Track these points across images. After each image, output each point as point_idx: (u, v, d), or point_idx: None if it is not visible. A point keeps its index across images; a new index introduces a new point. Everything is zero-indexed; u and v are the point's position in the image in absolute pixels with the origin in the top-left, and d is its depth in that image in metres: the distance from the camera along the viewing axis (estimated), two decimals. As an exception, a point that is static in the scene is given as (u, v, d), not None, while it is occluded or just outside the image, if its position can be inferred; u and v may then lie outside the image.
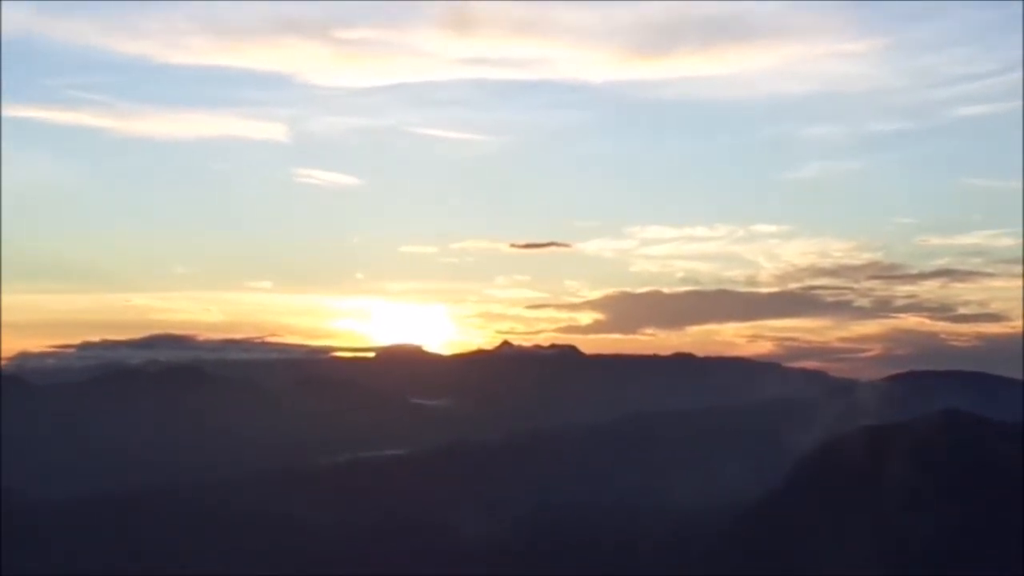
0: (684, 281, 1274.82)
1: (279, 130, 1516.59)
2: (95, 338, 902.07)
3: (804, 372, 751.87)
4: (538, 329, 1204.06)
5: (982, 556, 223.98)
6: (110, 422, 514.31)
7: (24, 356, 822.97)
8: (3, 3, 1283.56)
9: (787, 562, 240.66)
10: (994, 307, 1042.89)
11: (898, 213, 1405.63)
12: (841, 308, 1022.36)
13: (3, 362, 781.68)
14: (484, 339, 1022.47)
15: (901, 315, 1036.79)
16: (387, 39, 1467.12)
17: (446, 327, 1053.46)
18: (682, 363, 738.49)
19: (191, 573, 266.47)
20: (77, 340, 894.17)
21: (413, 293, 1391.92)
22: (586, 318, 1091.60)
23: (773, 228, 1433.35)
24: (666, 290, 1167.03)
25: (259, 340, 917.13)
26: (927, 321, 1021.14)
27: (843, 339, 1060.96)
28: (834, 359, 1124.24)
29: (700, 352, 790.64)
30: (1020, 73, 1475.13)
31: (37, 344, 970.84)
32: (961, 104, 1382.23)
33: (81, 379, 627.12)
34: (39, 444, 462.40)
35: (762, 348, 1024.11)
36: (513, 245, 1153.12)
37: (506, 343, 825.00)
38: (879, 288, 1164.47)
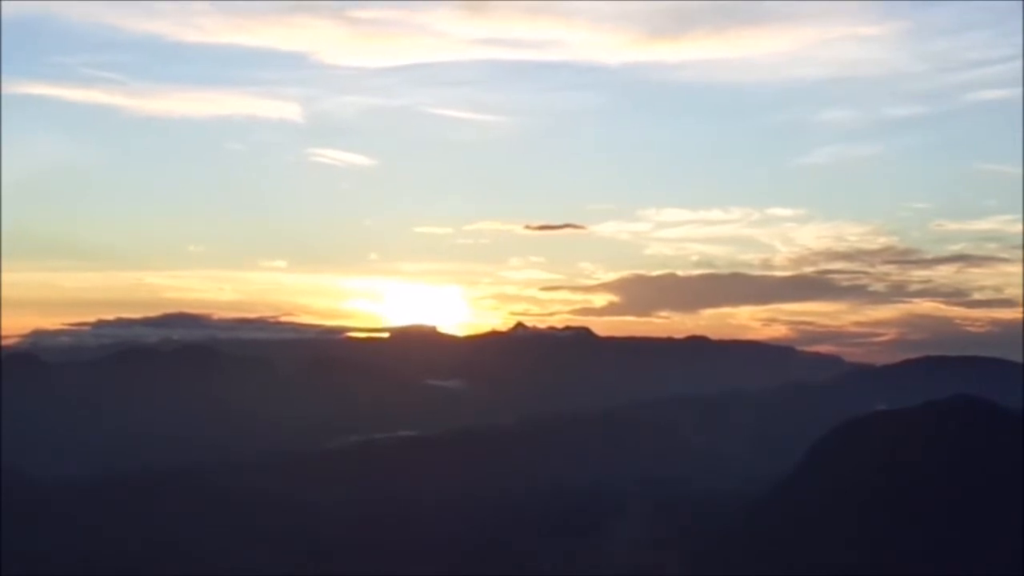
0: (699, 264, 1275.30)
1: (293, 110, 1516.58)
2: (110, 316, 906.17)
3: (819, 356, 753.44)
4: (552, 311, 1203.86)
5: (994, 538, 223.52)
6: (124, 400, 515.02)
7: (39, 334, 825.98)
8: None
9: (801, 545, 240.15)
10: (1009, 292, 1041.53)
11: (913, 198, 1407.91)
12: (856, 292, 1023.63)
13: (18, 340, 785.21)
14: (498, 321, 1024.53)
15: (916, 300, 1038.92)
16: (402, 19, 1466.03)
17: (460, 308, 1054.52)
18: (696, 346, 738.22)
19: (204, 551, 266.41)
20: (92, 318, 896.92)
21: (427, 274, 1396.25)
22: (600, 300, 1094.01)
23: (788, 212, 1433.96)
24: (681, 273, 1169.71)
25: (273, 320, 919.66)
26: (942, 306, 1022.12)
27: (858, 323, 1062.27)
28: (849, 343, 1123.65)
29: (715, 335, 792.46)
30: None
31: (52, 322, 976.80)
32: (977, 89, 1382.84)
33: (96, 357, 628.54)
34: (53, 421, 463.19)
35: (777, 332, 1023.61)
36: (528, 227, 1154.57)
37: (520, 325, 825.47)
38: (894, 273, 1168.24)
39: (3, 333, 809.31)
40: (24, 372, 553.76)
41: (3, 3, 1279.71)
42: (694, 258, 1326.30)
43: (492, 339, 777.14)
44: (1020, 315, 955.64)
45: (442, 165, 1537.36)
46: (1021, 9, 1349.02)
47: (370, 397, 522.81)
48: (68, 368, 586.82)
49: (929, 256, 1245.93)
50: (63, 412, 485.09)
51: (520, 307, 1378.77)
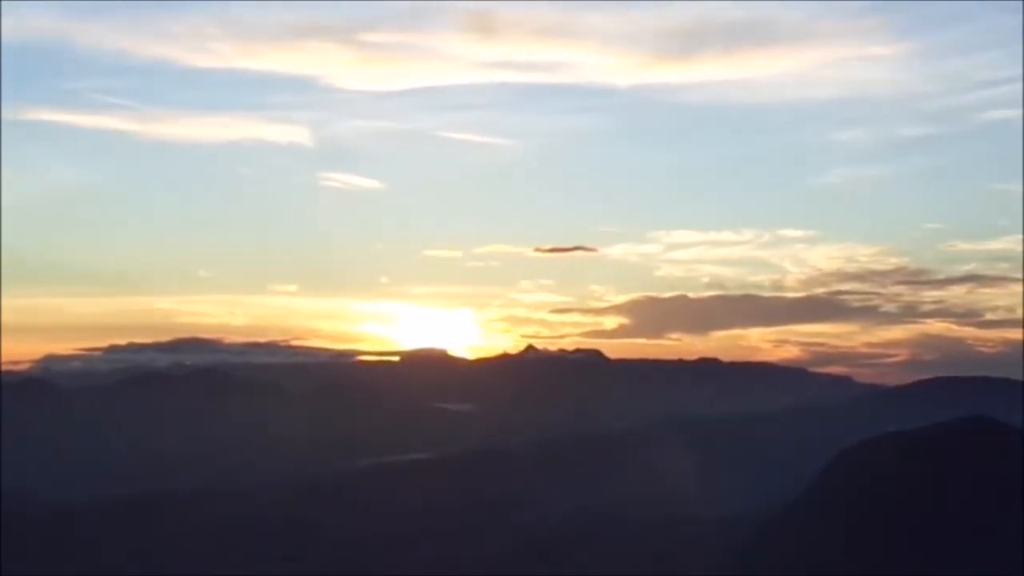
0: (709, 286, 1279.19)
1: (303, 134, 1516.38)
2: (121, 341, 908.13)
3: (830, 377, 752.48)
4: (563, 333, 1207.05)
5: (1008, 563, 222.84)
6: (136, 425, 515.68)
7: (51, 359, 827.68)
8: (28, 7, 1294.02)
9: (812, 570, 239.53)
10: (1021, 313, 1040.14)
11: (925, 218, 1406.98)
12: (867, 313, 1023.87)
13: (30, 365, 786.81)
14: (509, 343, 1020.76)
15: (928, 320, 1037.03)
16: (411, 43, 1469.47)
17: (471, 331, 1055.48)
18: (707, 368, 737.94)
19: (214, 574, 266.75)
20: (104, 343, 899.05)
21: (438, 297, 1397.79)
22: (611, 322, 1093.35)
23: (799, 233, 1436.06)
24: (691, 295, 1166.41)
25: (284, 344, 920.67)
26: (954, 326, 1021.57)
27: (869, 344, 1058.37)
28: (860, 364, 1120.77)
29: (726, 357, 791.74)
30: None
31: (63, 347, 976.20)
32: (988, 108, 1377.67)
33: (107, 382, 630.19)
34: (65, 446, 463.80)
35: (788, 353, 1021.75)
36: (538, 249, 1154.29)
37: (531, 347, 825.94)
38: (906, 293, 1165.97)
39: (15, 359, 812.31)
40: (36, 397, 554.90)
41: (13, 29, 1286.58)
42: (705, 280, 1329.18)
43: (503, 362, 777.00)
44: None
45: (452, 188, 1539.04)
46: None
47: (381, 420, 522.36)
48: (80, 393, 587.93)
49: (941, 276, 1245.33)
50: (75, 437, 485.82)
51: (531, 330, 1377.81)
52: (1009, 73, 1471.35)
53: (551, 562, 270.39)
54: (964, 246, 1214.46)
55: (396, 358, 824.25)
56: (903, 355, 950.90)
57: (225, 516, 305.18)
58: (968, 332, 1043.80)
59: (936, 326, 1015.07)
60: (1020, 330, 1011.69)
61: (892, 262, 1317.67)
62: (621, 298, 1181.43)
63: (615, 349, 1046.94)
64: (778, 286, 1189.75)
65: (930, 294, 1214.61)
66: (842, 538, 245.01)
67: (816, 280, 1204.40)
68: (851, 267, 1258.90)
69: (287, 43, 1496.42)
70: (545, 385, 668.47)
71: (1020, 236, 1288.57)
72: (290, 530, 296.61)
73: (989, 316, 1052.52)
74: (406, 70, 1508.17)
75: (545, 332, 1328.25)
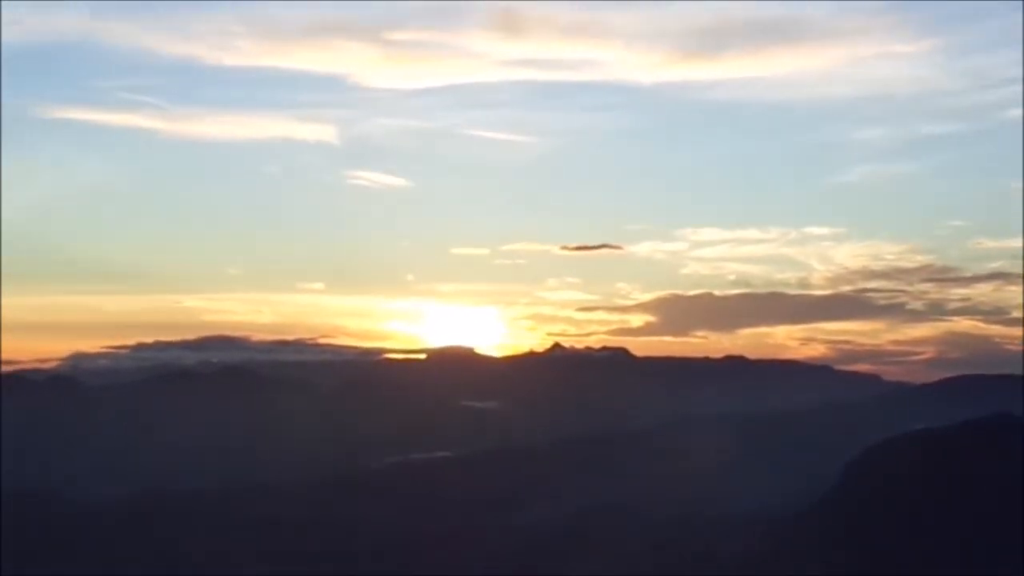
0: (736, 283, 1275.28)
1: (330, 132, 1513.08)
2: (148, 339, 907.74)
3: (857, 375, 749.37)
4: (589, 331, 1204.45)
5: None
6: (163, 423, 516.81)
7: (78, 357, 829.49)
8: (55, 6, 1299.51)
9: (839, 567, 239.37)
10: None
11: (951, 216, 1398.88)
12: (894, 311, 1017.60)
13: (58, 363, 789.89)
14: (535, 341, 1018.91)
15: (954, 318, 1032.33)
16: (437, 41, 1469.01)
17: (497, 329, 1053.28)
18: (734, 366, 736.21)
19: (242, 574, 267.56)
20: (131, 341, 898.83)
21: (464, 295, 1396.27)
22: (637, 320, 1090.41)
23: (825, 230, 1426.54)
24: (717, 292, 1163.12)
25: (311, 341, 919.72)
26: (980, 324, 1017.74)
27: (896, 342, 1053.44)
28: (887, 362, 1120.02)
29: (752, 355, 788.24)
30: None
31: (91, 345, 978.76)
32: (1013, 105, 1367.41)
33: (135, 380, 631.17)
34: (93, 445, 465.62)
35: (814, 351, 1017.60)
36: (564, 247, 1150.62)
37: (557, 345, 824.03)
38: (932, 291, 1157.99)
39: (43, 357, 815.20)
40: (64, 395, 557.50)
41: (40, 29, 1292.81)
42: (731, 277, 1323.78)
43: (529, 360, 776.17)
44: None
45: (478, 186, 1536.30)
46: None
47: (407, 418, 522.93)
48: (107, 391, 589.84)
49: (967, 274, 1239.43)
50: (102, 435, 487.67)
51: (557, 327, 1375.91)
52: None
53: (575, 559, 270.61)
54: (990, 243, 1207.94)
55: (422, 356, 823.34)
56: (929, 353, 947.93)
57: (252, 514, 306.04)
58: (995, 330, 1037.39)
59: (962, 324, 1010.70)
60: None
61: (918, 259, 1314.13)
62: (647, 296, 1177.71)
63: (641, 347, 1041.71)
64: (804, 284, 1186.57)
65: (956, 292, 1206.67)
66: (868, 535, 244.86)
67: (842, 278, 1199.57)
68: (877, 265, 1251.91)
69: (314, 41, 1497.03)
70: (571, 383, 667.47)
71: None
72: (318, 528, 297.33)
73: (1016, 314, 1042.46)
74: (432, 68, 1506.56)
75: (571, 330, 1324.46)
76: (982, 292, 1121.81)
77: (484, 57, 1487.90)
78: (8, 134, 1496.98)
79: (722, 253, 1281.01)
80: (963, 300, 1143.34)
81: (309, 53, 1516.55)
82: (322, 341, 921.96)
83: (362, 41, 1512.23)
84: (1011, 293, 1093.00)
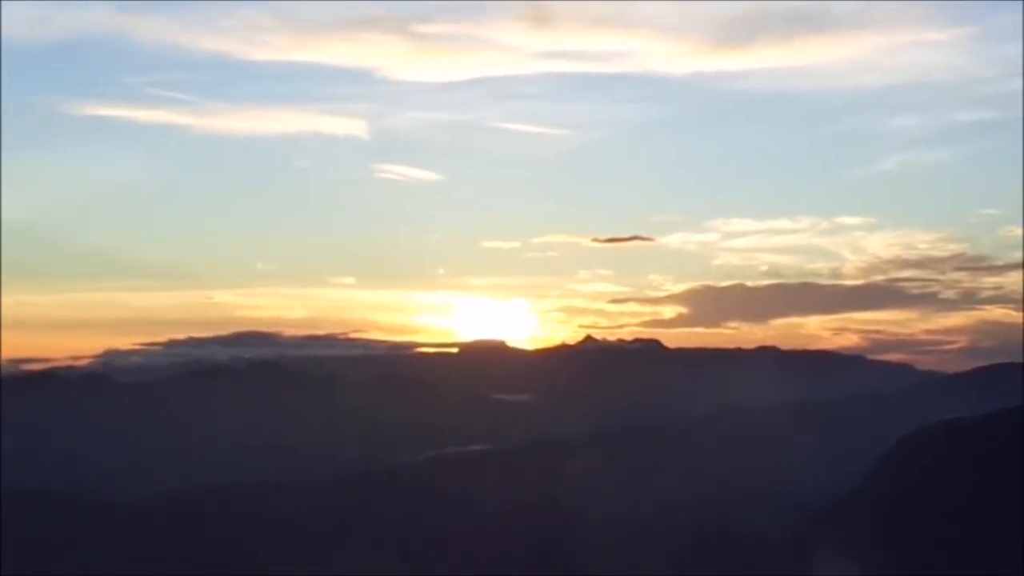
0: (768, 274, 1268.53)
1: (359, 126, 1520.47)
2: (181, 336, 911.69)
3: (890, 365, 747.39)
4: (621, 323, 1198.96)
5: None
6: (196, 419, 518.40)
7: (110, 354, 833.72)
8: (83, 4, 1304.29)
9: (876, 558, 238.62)
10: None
11: (984, 204, 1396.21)
12: (927, 300, 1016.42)
13: (91, 360, 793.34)
14: (567, 334, 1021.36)
15: (987, 307, 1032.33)
16: (466, 33, 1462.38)
17: (529, 322, 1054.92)
18: (766, 356, 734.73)
19: (274, 573, 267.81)
20: (163, 338, 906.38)
21: (495, 288, 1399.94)
22: (669, 312, 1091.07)
23: (857, 220, 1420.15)
24: (750, 283, 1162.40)
25: (342, 336, 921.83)
26: (1013, 313, 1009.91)
27: (929, 331, 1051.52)
28: (920, 351, 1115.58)
29: (784, 345, 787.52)
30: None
31: (123, 342, 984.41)
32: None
33: (167, 376, 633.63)
34: (125, 442, 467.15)
35: (847, 341, 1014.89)
36: (595, 239, 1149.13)
37: (589, 338, 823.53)
38: (965, 280, 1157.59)
39: (76, 354, 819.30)
40: (96, 392, 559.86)
41: (69, 25, 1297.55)
42: (763, 268, 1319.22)
43: (561, 352, 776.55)
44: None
45: (508, 179, 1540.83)
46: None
47: (440, 412, 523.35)
48: (140, 388, 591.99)
49: (1000, 263, 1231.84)
50: (135, 431, 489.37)
51: (589, 320, 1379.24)
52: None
53: (608, 553, 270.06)
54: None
55: (454, 349, 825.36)
56: (962, 342, 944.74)
57: (286, 507, 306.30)
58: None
59: (995, 312, 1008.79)
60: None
61: (950, 248, 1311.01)
62: (679, 287, 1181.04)
63: (673, 339, 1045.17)
64: (836, 274, 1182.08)
65: (989, 280, 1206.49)
66: (902, 525, 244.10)
67: (874, 267, 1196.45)
68: (909, 254, 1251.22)
69: (342, 35, 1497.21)
70: (603, 375, 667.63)
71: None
72: (349, 524, 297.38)
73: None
74: (461, 61, 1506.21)
75: (603, 322, 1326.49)
76: (1015, 280, 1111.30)
77: (513, 49, 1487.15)
78: (38, 132, 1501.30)
79: (754, 244, 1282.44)
80: (996, 288, 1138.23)
81: (338, 47, 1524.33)
82: (353, 336, 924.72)
83: (391, 34, 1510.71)
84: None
